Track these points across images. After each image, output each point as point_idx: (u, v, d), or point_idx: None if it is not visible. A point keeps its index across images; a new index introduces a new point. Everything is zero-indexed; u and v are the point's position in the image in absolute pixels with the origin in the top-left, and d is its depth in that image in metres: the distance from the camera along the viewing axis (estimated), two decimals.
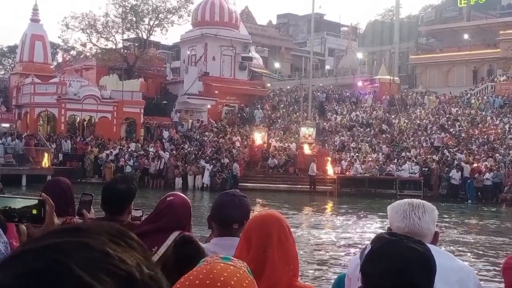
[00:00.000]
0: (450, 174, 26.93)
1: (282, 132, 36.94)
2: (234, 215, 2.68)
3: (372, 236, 1.75)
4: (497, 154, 28.46)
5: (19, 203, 1.99)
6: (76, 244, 0.70)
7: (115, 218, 3.30)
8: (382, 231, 2.36)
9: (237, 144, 34.40)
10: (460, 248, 13.60)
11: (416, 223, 2.26)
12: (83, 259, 0.68)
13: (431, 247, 1.88)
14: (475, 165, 27.47)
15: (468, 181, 26.35)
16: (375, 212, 19.98)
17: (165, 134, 37.16)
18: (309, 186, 29.19)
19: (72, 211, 3.58)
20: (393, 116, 37.00)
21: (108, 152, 32.90)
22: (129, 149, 33.62)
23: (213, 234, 2.78)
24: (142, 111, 38.18)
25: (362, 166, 29.57)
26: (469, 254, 12.97)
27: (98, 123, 36.81)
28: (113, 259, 0.70)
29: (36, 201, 2.01)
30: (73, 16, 42.42)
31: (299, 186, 29.92)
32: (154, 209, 3.24)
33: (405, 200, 2.38)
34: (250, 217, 2.35)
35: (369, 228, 16.80)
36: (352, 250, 12.81)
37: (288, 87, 49.13)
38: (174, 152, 33.36)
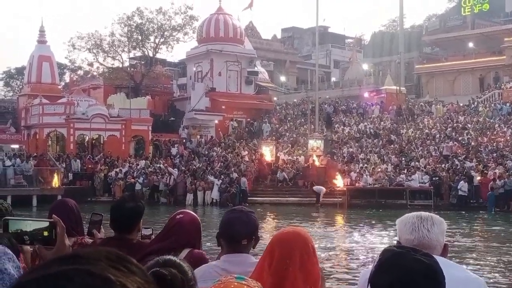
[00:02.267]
0: (459, 186, 26.71)
1: (290, 145, 36.92)
2: (242, 231, 2.69)
3: (383, 248, 1.75)
4: (508, 161, 28.24)
5: (30, 225, 2.00)
6: (77, 271, 0.71)
7: (124, 237, 3.31)
8: (394, 242, 2.37)
9: (246, 158, 34.40)
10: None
11: (425, 235, 2.27)
12: (85, 285, 0.69)
13: (441, 259, 1.88)
14: (479, 178, 27.12)
15: (489, 192, 25.93)
16: (386, 223, 19.86)
17: (173, 150, 37.24)
18: (315, 201, 28.97)
19: (80, 231, 3.60)
20: (404, 126, 36.75)
21: (117, 170, 33.00)
22: (138, 167, 33.71)
23: (223, 251, 2.79)
24: (150, 128, 38.35)
25: (372, 177, 29.46)
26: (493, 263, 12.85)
27: (107, 141, 36.98)
28: (114, 285, 0.71)
29: (47, 223, 2.03)
30: (79, 36, 42.84)
31: (308, 199, 29.79)
32: (164, 227, 3.25)
33: (414, 213, 2.40)
34: (277, 232, 2.36)
35: (380, 240, 16.69)
36: (363, 262, 12.73)
37: (295, 100, 49.16)
38: (183, 168, 33.41)
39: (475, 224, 21.97)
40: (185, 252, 3.04)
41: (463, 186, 26.56)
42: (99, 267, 0.72)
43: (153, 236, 3.66)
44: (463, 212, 24.89)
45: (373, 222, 21.42)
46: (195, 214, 3.31)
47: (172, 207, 27.69)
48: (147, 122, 38.35)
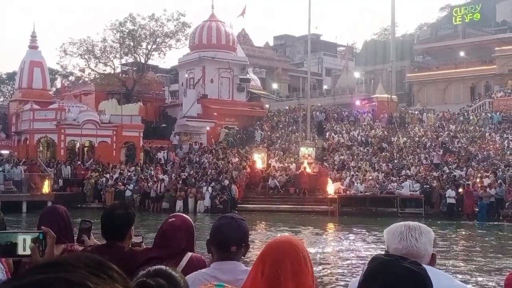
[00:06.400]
0: (447, 194, 26.76)
1: (281, 152, 36.89)
2: (232, 237, 2.69)
3: (372, 256, 1.76)
4: (498, 171, 28.33)
5: (20, 238, 1.99)
6: (57, 280, 0.69)
7: (115, 245, 3.31)
8: (383, 249, 2.37)
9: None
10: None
11: (413, 244, 2.28)
12: None
13: (429, 268, 1.90)
14: (460, 190, 27.11)
15: (479, 202, 25.88)
16: (377, 231, 19.88)
17: (160, 155, 37.10)
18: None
19: (70, 238, 3.59)
20: (395, 134, 36.84)
21: (108, 176, 32.84)
22: (129, 173, 33.56)
23: (213, 259, 2.79)
24: (142, 134, 38.24)
25: (363, 184, 29.48)
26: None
27: (98, 147, 36.81)
28: None
29: (37, 234, 2.02)
30: (71, 42, 42.73)
31: (300, 206, 29.73)
32: (157, 231, 3.26)
33: (401, 222, 2.41)
34: (269, 240, 2.33)
35: (370, 248, 16.70)
36: (352, 271, 12.73)
37: (287, 107, 49.26)
38: (174, 175, 33.29)
39: (464, 233, 22.04)
40: (188, 256, 3.10)
41: (450, 193, 26.63)
42: (78, 275, 0.70)
43: (143, 244, 3.67)
44: (453, 221, 24.96)
45: (364, 230, 21.43)
46: (187, 217, 3.34)
47: (163, 213, 27.59)
48: (139, 128, 38.25)
